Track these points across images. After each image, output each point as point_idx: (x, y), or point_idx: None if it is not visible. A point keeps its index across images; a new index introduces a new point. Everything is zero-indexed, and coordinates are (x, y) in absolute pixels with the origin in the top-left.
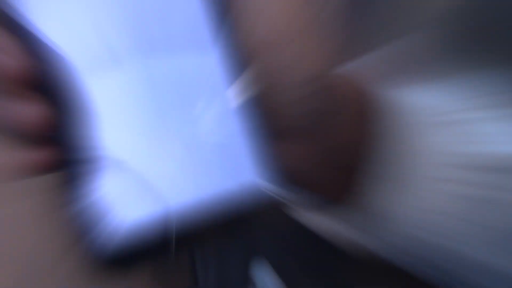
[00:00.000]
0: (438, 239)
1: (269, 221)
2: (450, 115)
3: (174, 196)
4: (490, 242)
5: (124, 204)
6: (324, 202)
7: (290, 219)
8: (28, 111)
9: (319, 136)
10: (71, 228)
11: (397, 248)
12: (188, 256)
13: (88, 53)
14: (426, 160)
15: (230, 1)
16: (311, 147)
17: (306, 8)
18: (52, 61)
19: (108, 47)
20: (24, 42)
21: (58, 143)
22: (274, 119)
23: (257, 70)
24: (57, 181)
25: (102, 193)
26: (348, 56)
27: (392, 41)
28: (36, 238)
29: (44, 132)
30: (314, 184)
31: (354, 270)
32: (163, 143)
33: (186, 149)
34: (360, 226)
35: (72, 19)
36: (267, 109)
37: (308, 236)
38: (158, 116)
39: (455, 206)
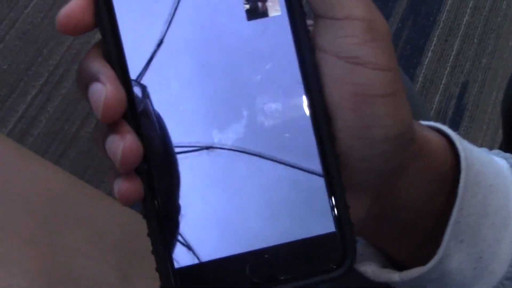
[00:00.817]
0: None
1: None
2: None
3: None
4: None
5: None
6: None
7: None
8: (122, 144)
9: (390, 188)
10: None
11: None
12: None
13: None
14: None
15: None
16: (379, 200)
17: (397, 69)
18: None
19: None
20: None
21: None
22: (353, 169)
23: (345, 123)
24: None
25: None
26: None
27: None
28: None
29: (135, 163)
30: (375, 242)
31: None
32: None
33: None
34: None
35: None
36: (348, 160)
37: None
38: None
39: None
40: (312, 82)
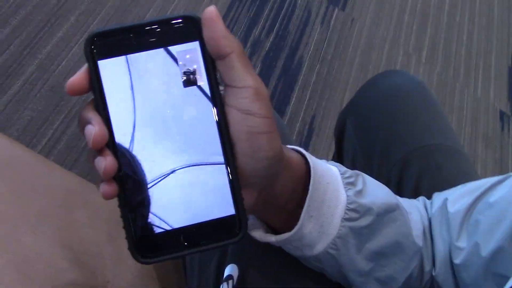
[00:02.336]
0: None
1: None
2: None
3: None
4: None
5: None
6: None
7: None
8: (105, 162)
9: (270, 186)
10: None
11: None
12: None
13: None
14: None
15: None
16: (263, 193)
17: (273, 117)
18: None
19: None
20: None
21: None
22: (246, 176)
23: (242, 149)
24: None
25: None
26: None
27: None
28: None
29: (113, 173)
30: (261, 217)
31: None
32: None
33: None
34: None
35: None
36: (244, 169)
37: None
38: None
39: None
40: (223, 124)
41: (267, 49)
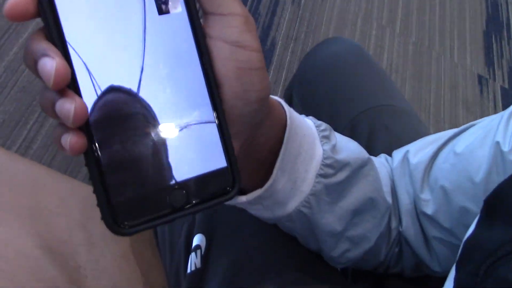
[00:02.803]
0: None
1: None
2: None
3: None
4: None
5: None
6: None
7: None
8: (73, 105)
9: (252, 137)
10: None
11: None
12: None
13: None
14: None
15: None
16: (245, 144)
17: (261, 53)
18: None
19: None
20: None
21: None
22: (234, 120)
23: (231, 89)
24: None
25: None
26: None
27: None
28: None
29: (84, 119)
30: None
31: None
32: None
33: None
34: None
35: None
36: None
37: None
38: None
39: None
40: (205, 59)
41: None
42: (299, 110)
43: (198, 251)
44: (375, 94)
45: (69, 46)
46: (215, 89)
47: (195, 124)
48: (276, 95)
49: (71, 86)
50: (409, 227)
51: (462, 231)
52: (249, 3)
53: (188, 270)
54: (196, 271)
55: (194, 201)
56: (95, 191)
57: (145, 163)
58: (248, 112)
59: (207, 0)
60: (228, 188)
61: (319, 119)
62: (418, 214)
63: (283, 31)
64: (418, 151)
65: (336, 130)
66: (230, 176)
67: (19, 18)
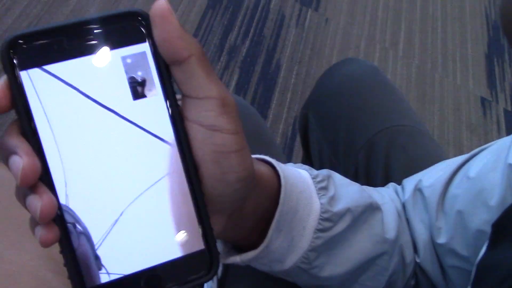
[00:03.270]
0: None
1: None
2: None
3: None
4: None
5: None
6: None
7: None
8: (40, 202)
9: (239, 209)
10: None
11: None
12: None
13: None
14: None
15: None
16: (232, 217)
17: (242, 132)
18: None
19: None
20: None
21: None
22: (213, 201)
23: (208, 171)
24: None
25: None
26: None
27: None
28: None
29: (51, 216)
30: (231, 238)
31: None
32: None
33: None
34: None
35: None
36: (212, 193)
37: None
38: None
39: None
40: (183, 142)
41: (244, 55)
42: (315, 130)
43: (215, 276)
44: (392, 114)
45: (41, 138)
46: (192, 171)
47: (172, 208)
48: (281, 117)
49: (44, 178)
50: (426, 257)
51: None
52: (253, 26)
53: None
54: None
55: (169, 284)
56: (70, 277)
57: (121, 249)
58: (229, 192)
59: (183, 83)
60: (205, 270)
61: (336, 138)
62: (434, 243)
63: (287, 54)
64: (430, 179)
65: (353, 149)
66: (207, 258)
67: None
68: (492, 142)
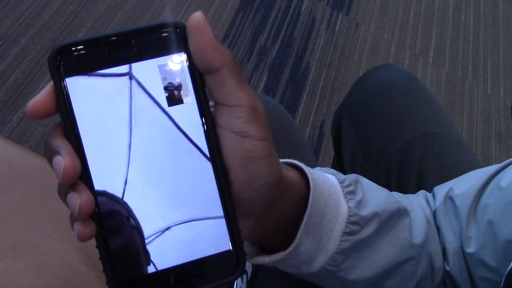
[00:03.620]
0: None
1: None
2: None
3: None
4: None
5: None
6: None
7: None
8: (79, 200)
9: (267, 213)
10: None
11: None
12: None
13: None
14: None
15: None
16: (260, 221)
17: (271, 138)
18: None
19: None
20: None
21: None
22: (242, 205)
23: (237, 176)
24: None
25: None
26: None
27: None
28: None
29: (89, 213)
30: (259, 240)
31: None
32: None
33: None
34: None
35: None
36: (242, 198)
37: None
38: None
39: None
40: (214, 148)
41: (273, 56)
42: (348, 133)
43: (244, 276)
44: (428, 122)
45: (83, 140)
46: (222, 175)
47: (203, 209)
48: (308, 120)
49: (84, 177)
50: (456, 266)
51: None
52: (284, 28)
53: None
54: None
55: (197, 281)
56: (104, 270)
57: (153, 245)
58: (256, 196)
59: (215, 92)
60: (232, 269)
61: (369, 143)
62: (464, 252)
63: (317, 57)
64: (462, 187)
65: (386, 154)
66: (234, 259)
67: (40, 116)
68: None
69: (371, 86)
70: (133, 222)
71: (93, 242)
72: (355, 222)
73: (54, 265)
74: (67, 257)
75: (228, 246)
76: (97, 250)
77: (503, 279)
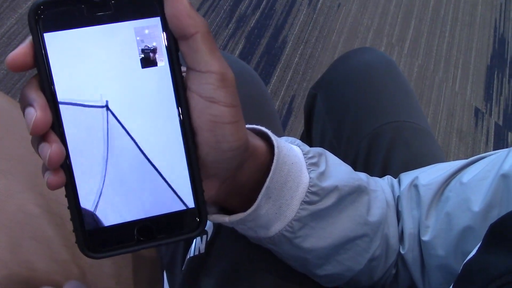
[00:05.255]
0: None
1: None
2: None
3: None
4: None
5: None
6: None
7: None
8: (49, 150)
9: (233, 177)
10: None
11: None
12: None
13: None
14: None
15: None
16: (225, 183)
17: (239, 105)
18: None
19: None
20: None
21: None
22: (208, 167)
23: (204, 139)
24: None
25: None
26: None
27: None
28: None
29: (59, 163)
30: (224, 203)
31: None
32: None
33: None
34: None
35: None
36: (208, 161)
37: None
38: None
39: None
40: (184, 110)
41: (252, 25)
42: (321, 111)
43: (204, 236)
44: (401, 109)
45: (58, 95)
46: (189, 137)
47: (168, 167)
48: (279, 94)
49: (56, 129)
50: (410, 251)
51: (456, 259)
52: (265, 0)
53: (191, 253)
54: (199, 256)
55: (160, 235)
56: (72, 219)
57: (119, 198)
58: (222, 159)
59: (188, 57)
60: (194, 226)
61: (341, 123)
62: (419, 240)
63: (295, 32)
64: (427, 178)
65: (357, 136)
66: (196, 216)
67: (19, 68)
68: (492, 152)
69: (351, 67)
70: (102, 174)
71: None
72: (315, 193)
73: (6, 204)
74: (21, 198)
75: (192, 204)
76: (59, 197)
77: (461, 268)
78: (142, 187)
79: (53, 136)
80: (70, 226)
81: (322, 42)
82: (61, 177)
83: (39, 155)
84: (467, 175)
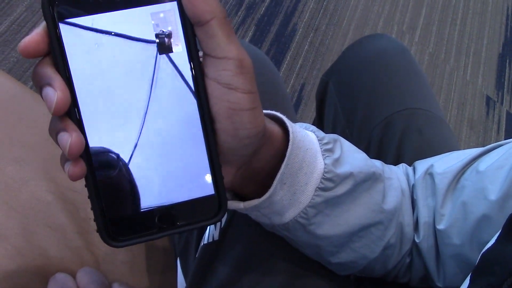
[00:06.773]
0: None
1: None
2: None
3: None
4: None
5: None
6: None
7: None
8: (70, 139)
9: (249, 163)
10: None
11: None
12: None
13: None
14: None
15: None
16: (241, 169)
17: (256, 92)
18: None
19: None
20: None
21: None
22: (225, 153)
23: (222, 126)
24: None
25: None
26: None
27: None
28: None
29: (79, 153)
30: (239, 190)
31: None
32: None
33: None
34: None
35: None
36: (226, 146)
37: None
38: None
39: None
40: (202, 97)
41: (262, 13)
42: (333, 99)
43: (218, 224)
44: (414, 97)
45: (74, 82)
46: (208, 124)
47: (188, 154)
48: (289, 82)
49: (74, 118)
50: (425, 240)
51: (472, 248)
52: None
53: (205, 241)
54: (213, 243)
55: (180, 222)
56: (92, 208)
57: (140, 186)
58: (239, 146)
59: (205, 43)
60: (214, 213)
61: (353, 110)
62: (435, 228)
63: (305, 20)
64: (442, 166)
65: (369, 124)
66: (216, 203)
67: (32, 55)
68: (509, 140)
69: (363, 54)
70: (122, 163)
71: (62, 173)
72: (330, 179)
73: (19, 191)
74: (35, 185)
75: (212, 191)
76: (72, 184)
77: (479, 258)
78: (164, 174)
79: (72, 125)
80: (83, 213)
81: (333, 30)
82: (82, 167)
83: (59, 145)
84: (483, 164)
